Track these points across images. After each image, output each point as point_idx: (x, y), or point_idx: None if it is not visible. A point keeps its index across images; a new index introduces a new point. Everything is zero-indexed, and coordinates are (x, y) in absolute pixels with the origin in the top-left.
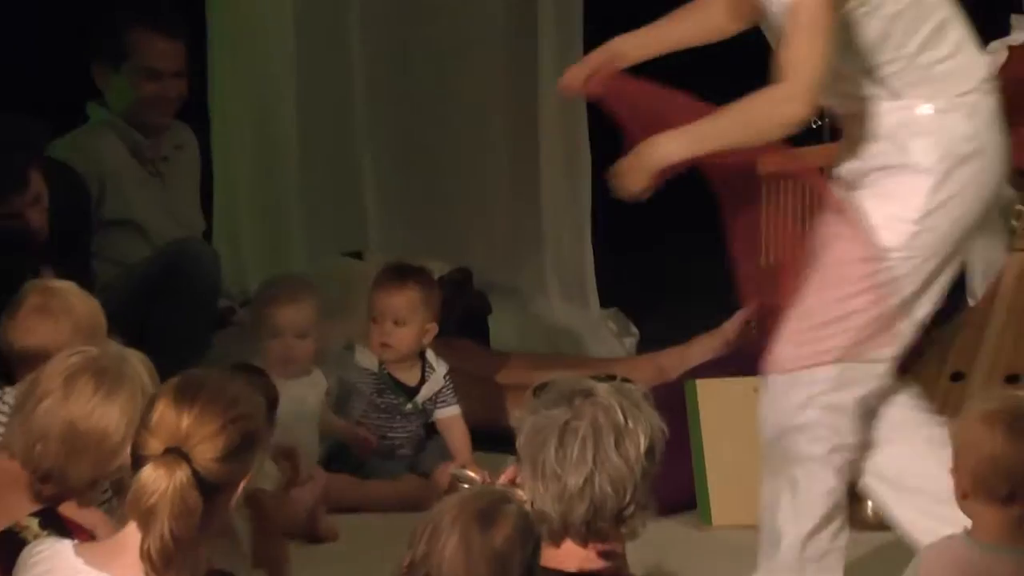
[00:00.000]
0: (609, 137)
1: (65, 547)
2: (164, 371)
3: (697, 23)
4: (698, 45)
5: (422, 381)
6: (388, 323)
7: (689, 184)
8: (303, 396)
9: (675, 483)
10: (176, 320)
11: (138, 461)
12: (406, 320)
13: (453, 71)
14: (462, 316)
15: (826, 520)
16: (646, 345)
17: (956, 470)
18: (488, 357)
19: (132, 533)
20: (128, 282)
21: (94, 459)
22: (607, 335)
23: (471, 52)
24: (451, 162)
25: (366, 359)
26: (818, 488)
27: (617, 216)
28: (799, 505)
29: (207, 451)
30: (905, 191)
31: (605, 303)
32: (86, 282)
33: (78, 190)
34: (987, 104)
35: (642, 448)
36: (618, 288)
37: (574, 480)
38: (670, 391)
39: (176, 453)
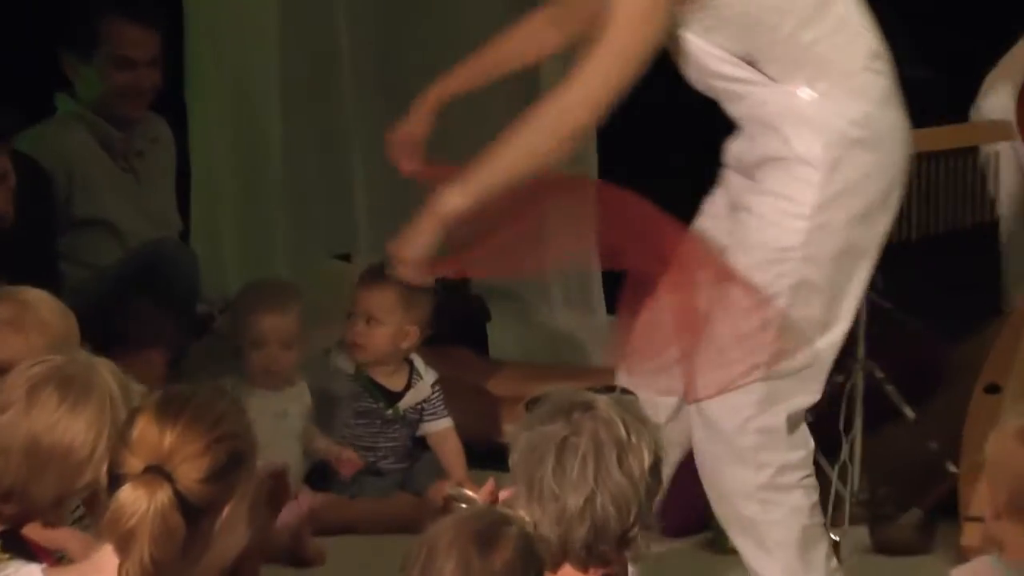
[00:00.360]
0: (616, 133)
1: (33, 572)
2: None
3: (518, 43)
4: (524, 66)
5: (407, 387)
6: (361, 321)
7: (706, 180)
8: (285, 409)
9: (686, 503)
10: (152, 323)
11: (116, 480)
12: (381, 319)
13: (448, 65)
14: (458, 323)
15: (803, 546)
16: None
17: (990, 488)
18: (486, 367)
19: (108, 557)
20: (99, 285)
21: (58, 475)
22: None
23: (467, 45)
24: (447, 160)
25: (342, 361)
26: (776, 515)
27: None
28: (766, 542)
29: (191, 471)
30: (794, 185)
31: (613, 309)
32: (53, 286)
33: (43, 185)
34: (878, 84)
35: (646, 464)
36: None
37: (574, 500)
38: None
39: (157, 472)
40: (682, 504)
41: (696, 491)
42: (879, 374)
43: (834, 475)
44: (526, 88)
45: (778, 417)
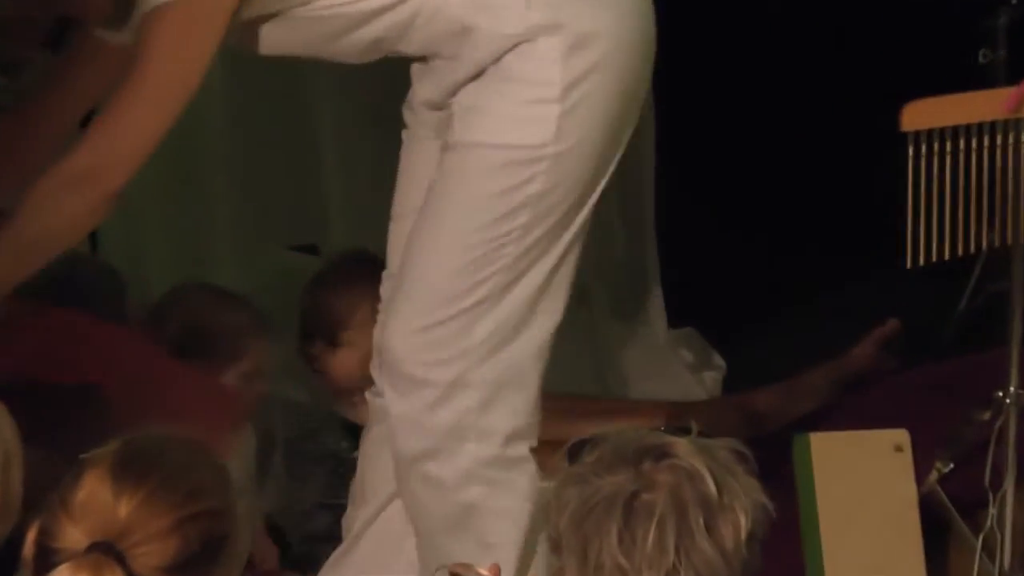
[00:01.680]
0: (678, 87)
1: None
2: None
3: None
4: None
5: None
6: (319, 342)
7: (795, 168)
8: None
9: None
10: None
11: (46, 555)
12: (350, 339)
13: None
14: None
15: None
16: (735, 381)
17: None
18: None
19: None
20: None
21: None
22: (678, 368)
23: None
24: None
25: (294, 388)
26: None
27: (695, 202)
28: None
29: (151, 555)
30: (533, 65)
31: (676, 321)
32: None
33: None
34: None
35: (743, 532)
36: (695, 301)
37: None
38: (771, 449)
39: (107, 551)
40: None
41: (793, 556)
42: None
43: (978, 546)
44: None
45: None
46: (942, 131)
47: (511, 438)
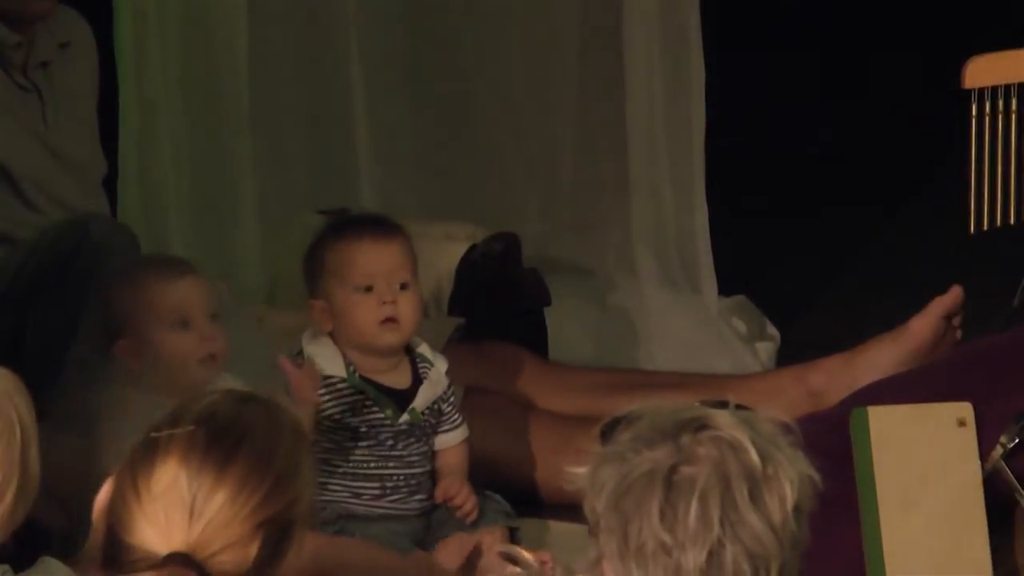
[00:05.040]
0: (730, 51)
1: None
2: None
3: None
4: None
5: (416, 381)
6: (391, 286)
7: (853, 130)
8: None
9: (835, 558)
10: (67, 334)
11: (116, 548)
12: (410, 281)
13: None
14: (503, 308)
15: None
16: (791, 353)
17: None
18: (542, 373)
19: None
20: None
21: None
22: (730, 338)
23: None
24: (488, 77)
25: (329, 361)
26: None
27: (747, 165)
28: None
29: (230, 564)
30: None
31: (728, 289)
32: None
33: None
34: None
35: (789, 504)
36: (747, 268)
37: (693, 556)
38: (828, 424)
39: (185, 563)
40: (829, 557)
41: (850, 537)
42: None
43: None
44: None
45: None
46: (1007, 88)
47: None
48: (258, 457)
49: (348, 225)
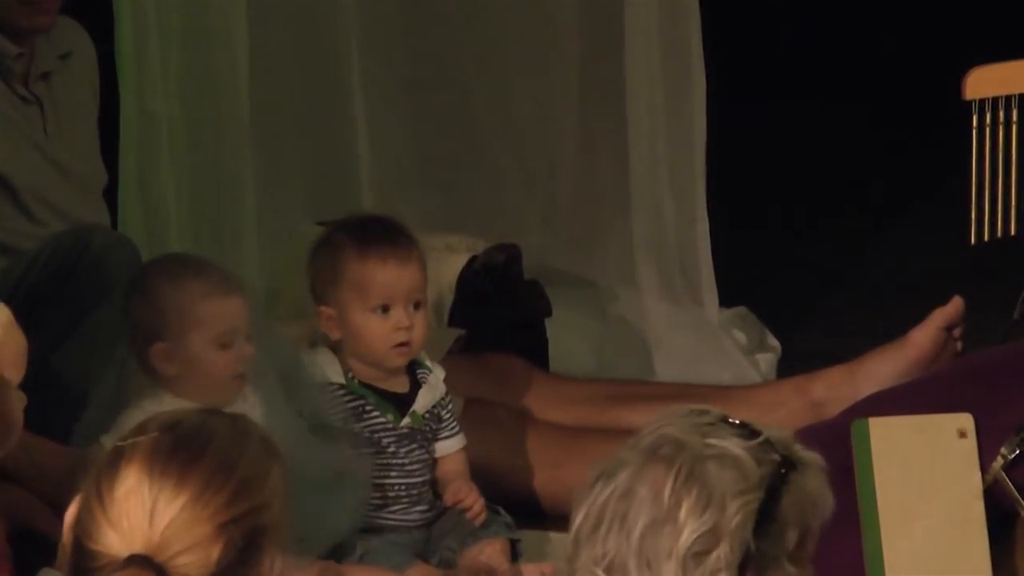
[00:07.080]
0: (731, 60)
1: None
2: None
3: None
4: None
5: (415, 386)
6: (407, 308)
7: (853, 141)
8: None
9: (836, 568)
10: (68, 345)
11: (82, 554)
12: (423, 299)
13: None
14: (504, 319)
15: None
16: (792, 364)
17: None
18: (543, 384)
19: None
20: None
21: None
22: (731, 350)
23: None
24: (488, 89)
25: (330, 367)
26: None
27: (747, 176)
28: None
29: (193, 566)
30: None
31: (728, 300)
32: None
33: None
34: None
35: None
36: (748, 279)
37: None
38: (829, 435)
39: (145, 565)
40: (834, 567)
41: (852, 548)
42: None
43: None
44: None
45: None
46: (1008, 99)
47: None
48: (222, 460)
49: (372, 242)
